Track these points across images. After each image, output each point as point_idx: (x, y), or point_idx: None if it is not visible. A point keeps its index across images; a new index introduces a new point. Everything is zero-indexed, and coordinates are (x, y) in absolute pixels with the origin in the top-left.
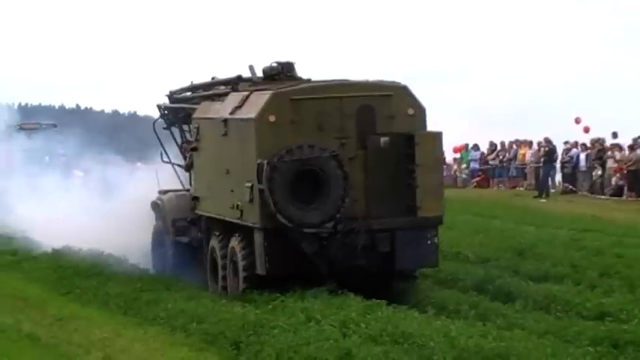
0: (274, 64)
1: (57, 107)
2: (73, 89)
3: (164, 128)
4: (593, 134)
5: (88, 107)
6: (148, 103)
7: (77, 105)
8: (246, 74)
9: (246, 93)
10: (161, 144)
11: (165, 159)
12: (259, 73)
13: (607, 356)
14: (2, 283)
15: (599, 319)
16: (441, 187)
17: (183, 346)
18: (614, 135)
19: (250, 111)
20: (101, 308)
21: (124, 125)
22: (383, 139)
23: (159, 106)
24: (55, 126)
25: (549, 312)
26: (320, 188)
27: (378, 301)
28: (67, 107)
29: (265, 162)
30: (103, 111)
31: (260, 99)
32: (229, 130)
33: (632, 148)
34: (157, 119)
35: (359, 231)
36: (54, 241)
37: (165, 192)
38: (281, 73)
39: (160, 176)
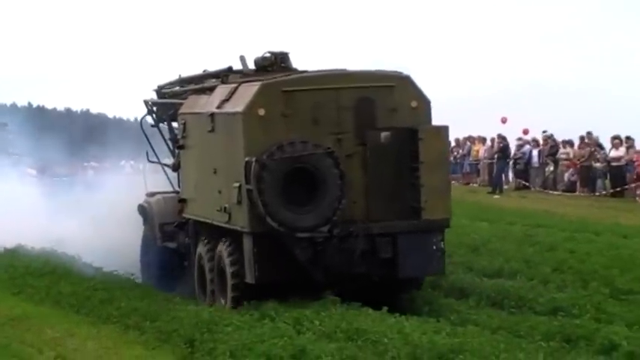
0: (267, 55)
1: (8, 105)
2: (25, 86)
3: (152, 126)
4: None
5: (41, 105)
6: (102, 101)
7: (29, 103)
8: (237, 66)
9: (234, 85)
10: (149, 142)
11: (153, 158)
12: (251, 65)
13: (559, 351)
14: None
15: (552, 314)
16: (448, 187)
17: (137, 345)
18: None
19: (238, 104)
20: (54, 307)
21: (78, 123)
22: (384, 135)
23: (146, 102)
24: (5, 125)
25: (503, 307)
26: (314, 189)
27: (332, 297)
28: (18, 105)
29: (254, 160)
30: (55, 109)
31: (248, 91)
32: (216, 125)
33: (582, 143)
34: (144, 116)
35: (357, 235)
36: (6, 239)
37: (153, 194)
38: (274, 64)
39: (147, 178)
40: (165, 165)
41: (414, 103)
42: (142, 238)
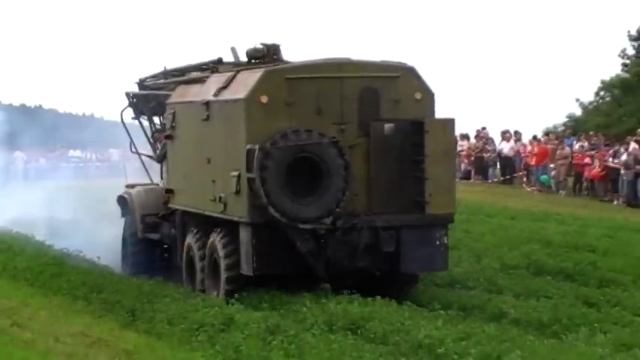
0: (259, 46)
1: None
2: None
3: (132, 118)
4: None
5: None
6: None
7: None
8: (227, 58)
9: (231, 73)
10: (128, 134)
11: (134, 150)
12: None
13: (456, 318)
14: None
15: (450, 286)
16: (453, 181)
17: (84, 314)
18: None
19: (239, 91)
20: (10, 280)
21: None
22: (387, 126)
23: (127, 94)
24: None
25: None
26: (318, 179)
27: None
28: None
29: (257, 147)
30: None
31: (250, 78)
32: (212, 113)
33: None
34: (124, 108)
35: (361, 228)
36: None
37: (133, 186)
38: (266, 56)
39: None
40: (148, 156)
41: (418, 95)
42: (123, 229)
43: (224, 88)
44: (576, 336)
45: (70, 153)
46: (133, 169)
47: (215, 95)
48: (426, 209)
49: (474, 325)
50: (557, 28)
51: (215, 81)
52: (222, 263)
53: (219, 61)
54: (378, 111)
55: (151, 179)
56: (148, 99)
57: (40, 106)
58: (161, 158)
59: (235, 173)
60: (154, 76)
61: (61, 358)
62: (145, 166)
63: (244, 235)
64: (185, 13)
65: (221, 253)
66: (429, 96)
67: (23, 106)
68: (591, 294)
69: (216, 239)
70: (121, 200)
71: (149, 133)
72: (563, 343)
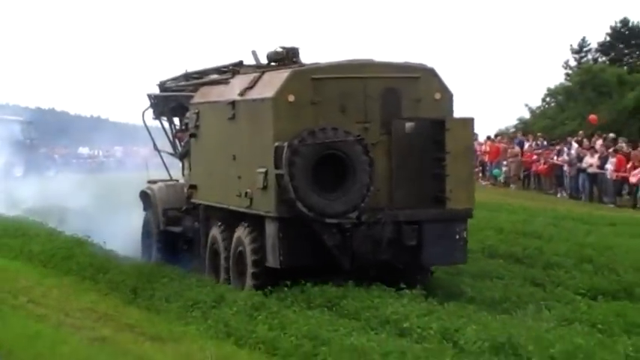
0: (279, 49)
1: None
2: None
3: (153, 118)
4: None
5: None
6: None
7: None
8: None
9: (256, 74)
10: (149, 134)
11: (156, 148)
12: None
13: (419, 297)
14: None
15: None
16: (472, 177)
17: (92, 292)
18: None
19: (266, 90)
20: (26, 263)
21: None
22: (408, 125)
23: (149, 96)
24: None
25: None
26: (344, 175)
27: None
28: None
29: (286, 144)
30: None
31: (277, 78)
32: (238, 112)
33: None
34: (146, 109)
35: (385, 222)
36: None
37: (155, 182)
38: (286, 59)
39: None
40: (171, 154)
41: (437, 95)
42: (143, 223)
43: (250, 88)
44: (524, 312)
45: (80, 150)
46: (134, 164)
47: (241, 95)
48: (447, 204)
49: (435, 302)
50: (510, 40)
51: (239, 82)
52: (249, 256)
53: (240, 63)
54: (400, 110)
55: (170, 175)
56: (169, 100)
57: (53, 108)
58: (183, 155)
59: (262, 170)
60: (174, 79)
61: (71, 330)
62: (164, 164)
63: (271, 228)
64: (202, 18)
65: (248, 246)
66: (448, 96)
67: (38, 108)
68: (538, 275)
69: (242, 233)
70: (143, 195)
71: (170, 133)
72: (513, 318)
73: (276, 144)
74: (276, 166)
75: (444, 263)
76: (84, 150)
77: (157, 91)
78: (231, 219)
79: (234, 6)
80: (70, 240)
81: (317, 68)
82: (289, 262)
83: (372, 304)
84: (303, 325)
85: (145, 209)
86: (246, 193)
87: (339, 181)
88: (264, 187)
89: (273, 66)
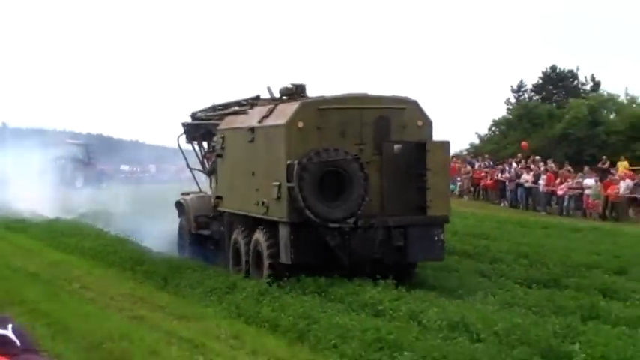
0: (289, 86)
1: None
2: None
3: (186, 142)
4: None
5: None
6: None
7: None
8: (263, 95)
9: (271, 105)
10: (183, 154)
11: (191, 166)
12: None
13: (391, 285)
14: (15, 240)
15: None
16: (448, 190)
17: (130, 280)
18: None
19: (279, 118)
20: (79, 256)
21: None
22: (396, 146)
23: (183, 124)
24: (90, 145)
25: None
26: (343, 187)
27: None
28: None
29: (296, 162)
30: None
31: (289, 108)
32: (256, 136)
33: None
34: (180, 135)
35: (377, 227)
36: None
37: (187, 194)
38: (295, 93)
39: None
40: (200, 171)
41: (419, 123)
42: (178, 227)
43: (266, 116)
44: (474, 298)
45: (122, 167)
46: (165, 179)
47: (259, 122)
48: (428, 212)
49: (404, 290)
50: (464, 81)
51: (257, 112)
52: (265, 254)
53: (257, 97)
54: (389, 135)
55: (199, 188)
56: (199, 127)
57: (101, 134)
58: (210, 172)
59: (276, 183)
60: (203, 110)
61: (114, 310)
62: (195, 179)
63: (284, 232)
64: (225, 58)
65: (264, 246)
66: (428, 123)
67: (89, 134)
68: (485, 268)
69: (259, 236)
70: (178, 204)
71: (200, 154)
72: (465, 302)
73: (288, 162)
74: (288, 180)
75: (426, 259)
76: (125, 167)
77: (189, 120)
78: (250, 224)
79: (252, 49)
80: (114, 238)
81: (322, 100)
82: (298, 259)
83: (353, 290)
84: (298, 307)
85: (179, 216)
86: (263, 202)
87: (340, 192)
88: (278, 198)
89: (284, 99)
